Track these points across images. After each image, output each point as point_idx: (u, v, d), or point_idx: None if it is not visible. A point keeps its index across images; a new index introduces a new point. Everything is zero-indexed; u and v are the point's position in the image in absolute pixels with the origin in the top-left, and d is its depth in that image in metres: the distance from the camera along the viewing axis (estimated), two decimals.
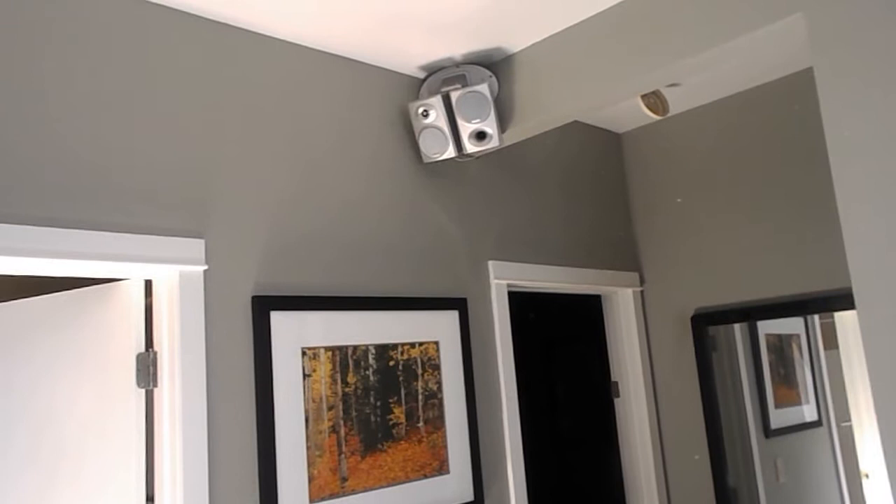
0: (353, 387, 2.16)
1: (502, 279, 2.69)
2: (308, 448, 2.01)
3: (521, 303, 3.14)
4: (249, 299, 1.98)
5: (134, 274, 1.83)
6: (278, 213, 2.11)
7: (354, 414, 2.15)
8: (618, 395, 3.28)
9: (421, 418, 2.32)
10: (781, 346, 3.09)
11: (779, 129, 2.94)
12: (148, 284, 1.92)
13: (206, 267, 1.89)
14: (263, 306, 1.98)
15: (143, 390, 1.86)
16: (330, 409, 2.09)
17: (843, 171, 1.70)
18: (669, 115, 3.21)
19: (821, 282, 2.77)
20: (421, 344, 2.37)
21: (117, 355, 1.88)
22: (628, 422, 3.25)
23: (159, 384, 1.82)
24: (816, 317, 3.01)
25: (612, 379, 3.31)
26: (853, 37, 1.70)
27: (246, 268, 2.00)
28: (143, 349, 1.88)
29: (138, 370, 1.85)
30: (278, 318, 2.02)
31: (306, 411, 2.03)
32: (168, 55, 1.95)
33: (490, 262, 2.67)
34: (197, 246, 1.88)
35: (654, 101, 2.70)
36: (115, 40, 1.86)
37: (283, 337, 2.02)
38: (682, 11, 2.02)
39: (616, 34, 2.18)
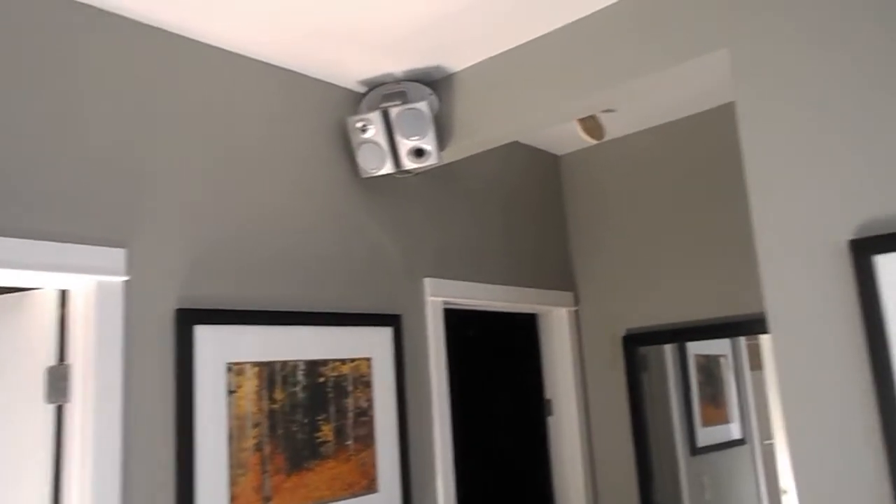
0: (280, 403, 2.12)
1: (438, 296, 2.69)
2: (230, 466, 1.97)
3: (463, 320, 3.14)
4: (172, 312, 1.93)
5: (47, 283, 1.76)
6: (207, 224, 2.07)
7: (281, 431, 2.11)
8: (551, 413, 3.31)
9: (350, 436, 2.29)
10: (709, 367, 3.17)
11: (709, 157, 3.02)
12: (64, 294, 1.85)
13: (126, 278, 1.84)
14: (187, 320, 1.94)
15: (52, 405, 1.79)
16: (255, 426, 2.05)
17: (760, 202, 1.76)
18: (606, 139, 3.27)
19: (747, 305, 2.85)
20: (352, 360, 2.35)
21: (27, 368, 1.81)
22: (560, 439, 3.27)
23: (71, 399, 1.75)
24: (743, 339, 3.09)
25: (546, 397, 3.33)
26: (773, 75, 1.76)
27: (170, 280, 1.95)
28: (54, 362, 1.81)
29: (49, 384, 1.77)
30: (203, 332, 1.97)
31: (230, 429, 1.99)
32: (90, 55, 1.89)
33: (426, 279, 2.67)
34: (117, 256, 1.82)
35: (591, 125, 2.75)
36: (33, 39, 1.79)
37: (207, 352, 1.97)
38: (616, 41, 2.07)
39: (554, 59, 2.21)
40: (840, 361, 1.61)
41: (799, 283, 1.69)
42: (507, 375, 3.27)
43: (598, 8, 2.12)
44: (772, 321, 1.73)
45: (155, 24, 2.04)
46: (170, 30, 2.07)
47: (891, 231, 1.56)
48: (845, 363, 1.61)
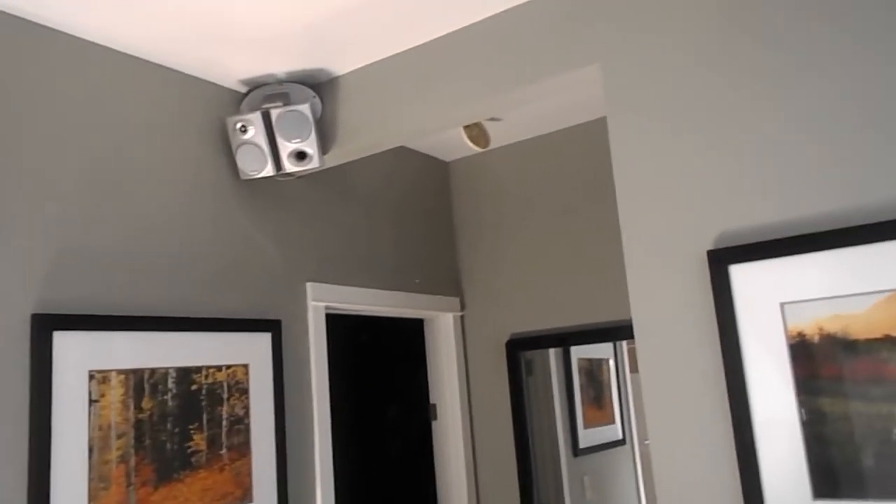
0: (148, 413, 2.03)
1: (320, 301, 2.66)
2: (91, 480, 1.87)
3: (355, 325, 3.12)
4: (29, 317, 1.82)
5: None
6: (74, 225, 1.96)
7: (148, 442, 2.02)
8: (435, 418, 3.33)
9: (224, 445, 2.22)
10: (592, 370, 3.28)
11: (590, 167, 3.13)
12: None
13: None
14: (45, 325, 1.82)
15: None
16: (120, 436, 1.96)
17: (627, 213, 1.84)
18: (492, 147, 3.33)
19: (628, 311, 2.96)
20: (228, 367, 2.28)
21: None
22: (444, 443, 3.30)
23: None
24: (624, 343, 3.22)
25: (431, 401, 3.35)
26: (640, 90, 1.84)
27: (27, 283, 1.83)
28: None
29: None
30: (63, 339, 1.86)
31: (91, 440, 1.89)
32: None
33: (308, 284, 2.63)
34: None
35: (477, 132, 2.79)
36: None
37: (67, 359, 1.86)
38: (496, 51, 2.11)
39: (436, 66, 2.23)
40: (698, 365, 1.70)
41: (662, 290, 1.77)
42: (396, 380, 3.27)
43: (479, 18, 2.15)
44: (637, 326, 1.80)
45: (26, 17, 1.92)
46: (42, 23, 1.95)
47: (744, 242, 1.66)
48: (703, 366, 1.70)
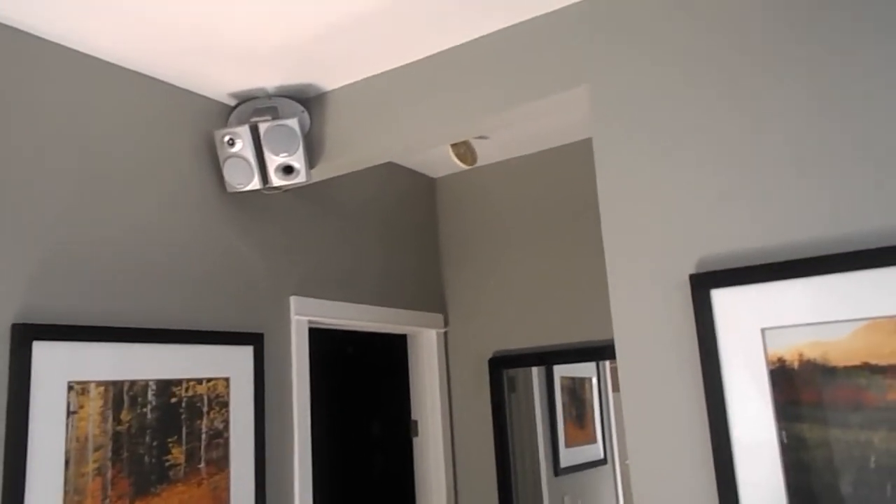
0: (126, 425, 2.01)
1: (304, 315, 2.65)
2: (66, 493, 1.84)
3: (340, 340, 3.11)
4: (9, 327, 1.80)
5: None
6: (57, 234, 1.94)
7: (126, 454, 2.00)
8: (416, 435, 3.31)
9: (203, 459, 2.20)
10: (575, 388, 3.28)
11: (577, 187, 3.15)
12: None
13: None
14: (25, 335, 1.80)
15: None
16: (97, 449, 1.93)
17: (611, 235, 1.85)
18: (479, 164, 3.35)
19: (612, 331, 2.97)
20: (209, 380, 2.26)
21: None
22: (425, 460, 3.28)
23: None
24: (607, 362, 3.23)
25: (413, 418, 3.34)
26: (627, 113, 1.86)
27: (8, 292, 1.81)
28: None
29: None
30: (42, 349, 1.84)
31: (67, 452, 1.86)
32: None
33: (292, 298, 2.62)
34: None
35: (464, 150, 2.81)
36: None
37: (46, 369, 1.84)
38: (484, 72, 2.12)
39: (425, 85, 2.25)
40: (679, 387, 1.71)
41: (644, 312, 1.78)
42: (379, 396, 3.25)
43: (469, 39, 2.17)
44: (619, 348, 1.81)
45: (17, 27, 1.92)
46: (30, 31, 1.95)
47: (726, 267, 1.68)
48: (683, 389, 1.71)
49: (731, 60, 1.73)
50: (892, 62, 1.55)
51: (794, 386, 1.55)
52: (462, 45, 2.19)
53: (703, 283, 1.68)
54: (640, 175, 1.82)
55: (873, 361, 1.47)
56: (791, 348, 1.56)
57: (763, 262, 1.64)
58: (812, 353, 1.54)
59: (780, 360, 1.57)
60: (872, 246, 1.52)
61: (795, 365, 1.56)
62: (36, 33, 1.97)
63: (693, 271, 1.73)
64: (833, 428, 1.50)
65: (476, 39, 2.16)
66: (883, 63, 1.56)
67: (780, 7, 1.68)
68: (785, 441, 1.55)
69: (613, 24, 1.91)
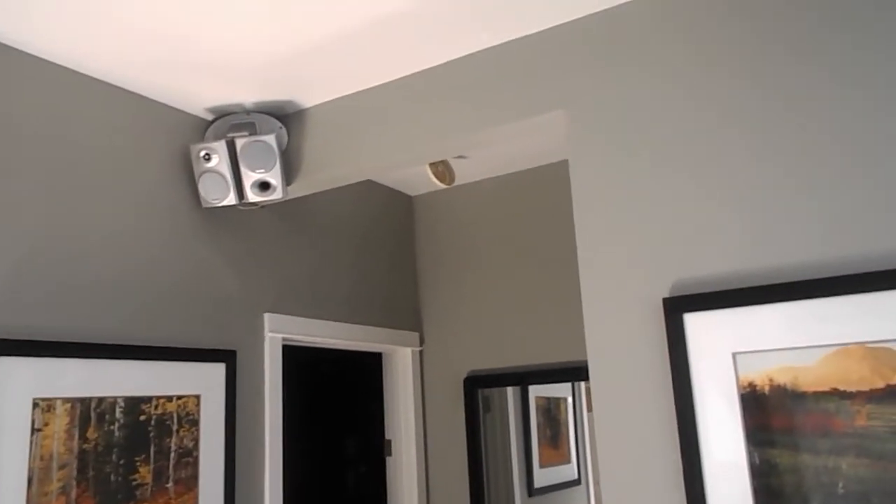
0: (93, 443, 1.98)
1: (278, 332, 2.62)
2: None
3: (315, 358, 3.08)
4: None
5: None
6: (24, 248, 1.91)
7: (92, 473, 1.96)
8: (390, 454, 3.29)
9: (171, 478, 2.16)
10: (550, 408, 3.28)
11: (553, 208, 3.16)
12: None
13: None
14: None
15: None
16: (62, 467, 1.89)
17: (586, 257, 1.86)
18: (457, 184, 3.35)
19: (586, 351, 2.98)
20: (180, 398, 2.23)
21: None
22: (398, 479, 3.26)
23: None
24: (582, 383, 3.23)
25: (387, 437, 3.32)
26: (603, 139, 1.88)
27: None
28: None
29: None
30: (7, 364, 1.80)
31: (31, 470, 1.82)
32: None
33: (266, 315, 2.59)
34: None
35: (442, 169, 2.81)
36: None
37: (11, 386, 1.80)
38: (462, 93, 2.13)
39: (403, 104, 2.25)
40: (651, 410, 1.72)
41: (618, 335, 1.79)
42: (354, 414, 3.23)
43: (447, 60, 2.18)
44: (592, 370, 1.81)
45: None
46: (9, 44, 1.93)
47: (699, 291, 1.69)
48: (656, 412, 1.71)
49: (708, 86, 1.76)
50: (860, 91, 1.58)
51: (764, 410, 1.56)
52: (440, 65, 2.20)
53: (677, 307, 1.69)
54: (616, 198, 1.84)
55: (842, 387, 1.49)
56: (762, 373, 1.58)
57: (736, 286, 1.65)
58: (782, 379, 1.55)
59: (751, 385, 1.58)
60: (843, 273, 1.54)
61: (766, 390, 1.57)
62: (11, 44, 1.95)
63: (667, 295, 1.74)
64: (803, 453, 1.51)
65: (454, 60, 2.17)
66: (847, 92, 1.59)
67: (758, 31, 1.71)
68: (756, 465, 1.56)
69: (591, 48, 1.93)
